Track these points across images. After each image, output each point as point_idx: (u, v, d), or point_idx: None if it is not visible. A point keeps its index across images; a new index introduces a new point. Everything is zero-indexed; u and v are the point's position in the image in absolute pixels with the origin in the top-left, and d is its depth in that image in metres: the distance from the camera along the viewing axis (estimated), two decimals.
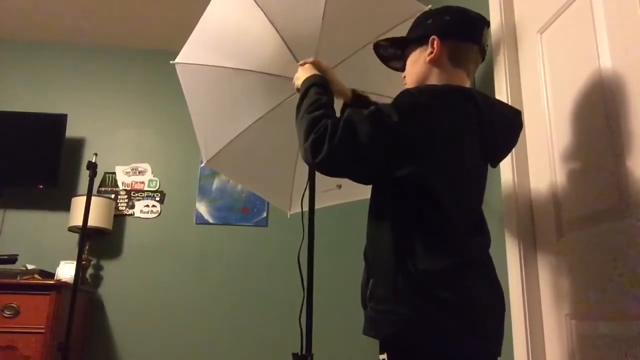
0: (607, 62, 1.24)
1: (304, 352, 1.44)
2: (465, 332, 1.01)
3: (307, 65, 1.39)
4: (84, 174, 3.26)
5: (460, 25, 1.25)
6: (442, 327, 1.00)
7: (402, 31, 1.48)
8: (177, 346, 3.06)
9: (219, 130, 1.94)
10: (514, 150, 1.61)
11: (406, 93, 1.10)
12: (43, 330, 2.50)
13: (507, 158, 1.64)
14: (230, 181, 3.31)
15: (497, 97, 1.72)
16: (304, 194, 1.69)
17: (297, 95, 1.29)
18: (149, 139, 3.43)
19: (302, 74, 1.35)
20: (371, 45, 1.41)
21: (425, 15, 1.32)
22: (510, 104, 1.65)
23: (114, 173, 3.35)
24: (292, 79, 1.43)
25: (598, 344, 1.23)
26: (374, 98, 1.60)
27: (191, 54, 1.85)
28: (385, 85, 1.80)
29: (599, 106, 1.26)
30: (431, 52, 1.22)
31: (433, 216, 1.06)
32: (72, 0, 3.10)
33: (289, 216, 2.20)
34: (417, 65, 1.26)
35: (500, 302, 1.13)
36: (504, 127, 1.22)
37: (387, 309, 1.04)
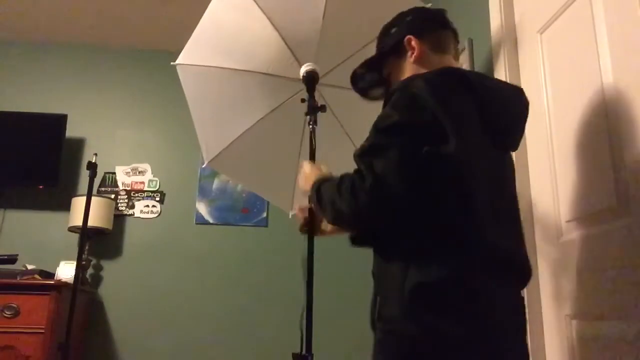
0: (607, 62, 1.24)
1: (304, 352, 1.44)
2: (481, 349, 0.94)
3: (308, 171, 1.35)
4: (84, 174, 3.26)
5: (425, 19, 1.25)
6: (455, 344, 0.93)
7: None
8: (177, 346, 3.06)
9: (220, 131, 1.95)
10: None
11: (400, 103, 1.02)
12: (43, 330, 2.50)
13: None
14: (230, 181, 3.31)
15: None
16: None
17: (299, 96, 1.28)
18: (149, 139, 3.43)
19: (309, 178, 1.29)
20: (372, 45, 1.40)
21: (385, 29, 1.31)
22: None
23: (114, 173, 3.35)
24: (293, 79, 1.43)
25: (598, 344, 1.23)
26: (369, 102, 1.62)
27: (192, 55, 1.85)
28: None
29: (598, 106, 1.26)
30: (412, 52, 1.20)
31: (441, 230, 0.99)
32: (72, 0, 3.10)
33: (290, 216, 2.20)
34: (402, 71, 1.22)
35: (518, 314, 1.06)
36: (506, 107, 1.13)
37: (395, 328, 0.98)
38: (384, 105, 1.10)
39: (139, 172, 3.37)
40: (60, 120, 3.21)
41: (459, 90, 1.04)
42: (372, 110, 1.85)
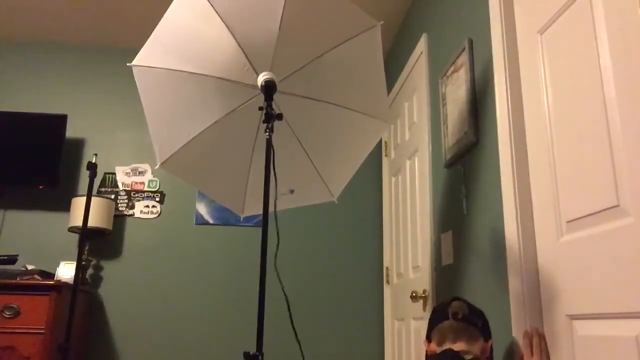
0: (607, 62, 1.24)
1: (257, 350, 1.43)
2: None
3: None
4: (84, 174, 3.27)
5: None
6: None
7: (356, 44, 1.48)
8: (176, 346, 3.06)
9: (175, 134, 1.95)
10: (513, 150, 1.61)
11: None
12: (43, 331, 2.50)
13: (507, 158, 1.64)
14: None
15: (497, 98, 1.73)
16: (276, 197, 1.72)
17: (253, 101, 1.24)
18: (149, 139, 3.43)
19: None
20: (326, 56, 1.37)
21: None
22: (510, 105, 1.66)
23: (114, 173, 3.35)
24: (248, 85, 1.43)
25: (598, 344, 1.23)
26: (326, 107, 1.63)
27: (148, 56, 1.85)
28: (340, 95, 1.83)
29: (599, 106, 1.26)
30: None
31: None
32: (71, 0, 3.10)
33: (241, 219, 2.21)
34: None
35: None
36: None
37: None
38: None
39: (139, 173, 3.37)
40: (60, 120, 3.22)
41: None
42: (324, 118, 1.88)
